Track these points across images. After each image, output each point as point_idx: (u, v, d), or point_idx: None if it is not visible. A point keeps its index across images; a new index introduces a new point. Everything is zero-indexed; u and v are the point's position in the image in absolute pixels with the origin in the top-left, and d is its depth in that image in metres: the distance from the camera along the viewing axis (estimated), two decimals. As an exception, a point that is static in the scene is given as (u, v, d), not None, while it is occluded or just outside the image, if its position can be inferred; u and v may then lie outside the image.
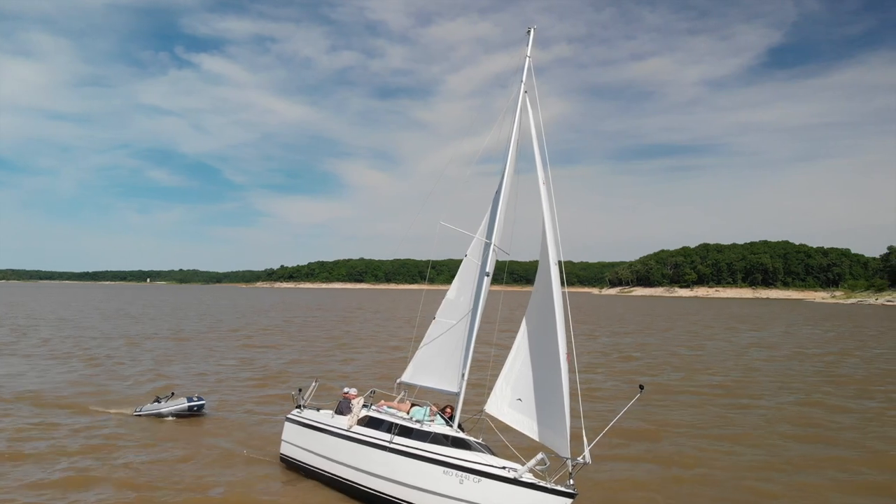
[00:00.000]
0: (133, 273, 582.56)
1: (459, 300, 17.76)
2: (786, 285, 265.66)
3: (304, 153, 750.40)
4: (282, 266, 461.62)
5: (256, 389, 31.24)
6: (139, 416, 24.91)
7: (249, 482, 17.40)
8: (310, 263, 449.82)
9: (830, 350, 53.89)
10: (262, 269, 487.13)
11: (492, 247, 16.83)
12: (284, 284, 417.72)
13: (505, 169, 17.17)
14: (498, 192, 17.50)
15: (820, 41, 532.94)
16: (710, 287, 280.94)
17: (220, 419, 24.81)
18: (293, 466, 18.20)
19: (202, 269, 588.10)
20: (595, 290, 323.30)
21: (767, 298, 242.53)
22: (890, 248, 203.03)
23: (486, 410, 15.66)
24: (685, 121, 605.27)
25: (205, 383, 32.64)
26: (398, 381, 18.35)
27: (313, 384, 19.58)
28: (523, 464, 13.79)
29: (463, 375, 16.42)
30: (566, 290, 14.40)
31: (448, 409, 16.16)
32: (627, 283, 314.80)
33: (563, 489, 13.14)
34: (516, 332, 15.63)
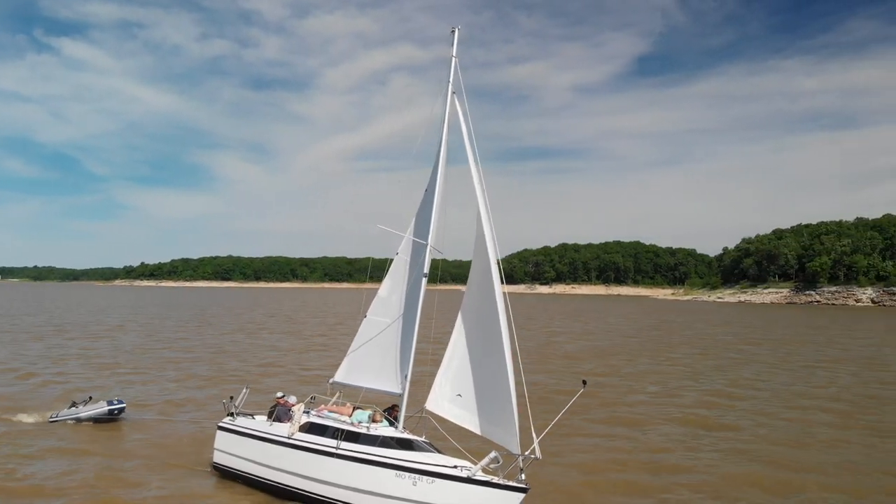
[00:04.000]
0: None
1: (392, 298, 17.80)
2: (636, 282, 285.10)
3: (171, 144, 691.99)
4: (142, 263, 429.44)
5: (177, 392, 29.73)
6: (55, 422, 22.98)
7: (184, 491, 16.58)
8: (173, 261, 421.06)
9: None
10: (123, 266, 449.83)
11: (428, 247, 16.99)
12: (145, 282, 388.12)
13: (437, 169, 17.42)
14: (430, 192, 17.70)
15: (684, 51, 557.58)
16: (567, 284, 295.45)
17: (143, 423, 23.45)
18: (228, 475, 17.42)
19: (59, 265, 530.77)
20: (464, 287, 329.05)
21: (618, 295, 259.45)
22: (724, 249, 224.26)
23: (427, 408, 15.79)
24: (557, 125, 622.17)
25: (123, 384, 30.87)
26: (331, 381, 18.01)
27: (244, 391, 18.80)
28: (473, 461, 14.06)
29: (406, 376, 16.40)
30: (505, 289, 14.90)
31: (395, 410, 16.10)
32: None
33: (515, 484, 13.50)
34: (450, 329, 15.82)
